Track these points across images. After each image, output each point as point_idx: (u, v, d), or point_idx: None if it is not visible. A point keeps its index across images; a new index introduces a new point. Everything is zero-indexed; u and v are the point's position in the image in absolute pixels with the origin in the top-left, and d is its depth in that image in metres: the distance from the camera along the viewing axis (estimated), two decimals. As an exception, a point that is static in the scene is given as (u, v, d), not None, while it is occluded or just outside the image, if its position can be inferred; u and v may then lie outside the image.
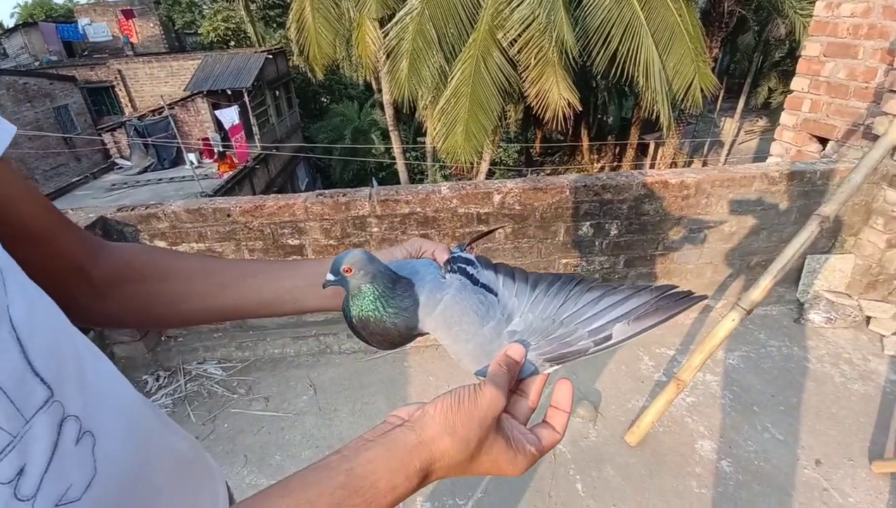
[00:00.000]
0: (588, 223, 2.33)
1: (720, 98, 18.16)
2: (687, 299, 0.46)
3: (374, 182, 15.79)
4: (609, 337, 0.46)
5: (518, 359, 0.46)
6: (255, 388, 2.30)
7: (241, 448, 1.98)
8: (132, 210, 2.13)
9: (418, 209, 2.18)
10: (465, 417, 0.38)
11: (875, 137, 2.52)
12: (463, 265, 0.54)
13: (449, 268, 0.54)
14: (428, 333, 0.52)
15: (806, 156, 3.04)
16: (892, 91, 2.36)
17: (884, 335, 2.34)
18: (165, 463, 0.45)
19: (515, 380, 0.46)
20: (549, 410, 0.47)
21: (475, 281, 0.52)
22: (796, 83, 3.08)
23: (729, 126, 16.70)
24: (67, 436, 0.32)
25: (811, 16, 2.92)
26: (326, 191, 2.19)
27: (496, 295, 0.52)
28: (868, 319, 2.45)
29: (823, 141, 2.98)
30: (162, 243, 2.16)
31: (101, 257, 0.53)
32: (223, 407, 2.19)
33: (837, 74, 2.77)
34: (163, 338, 2.48)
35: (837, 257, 2.57)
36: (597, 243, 2.40)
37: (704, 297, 0.49)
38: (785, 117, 3.20)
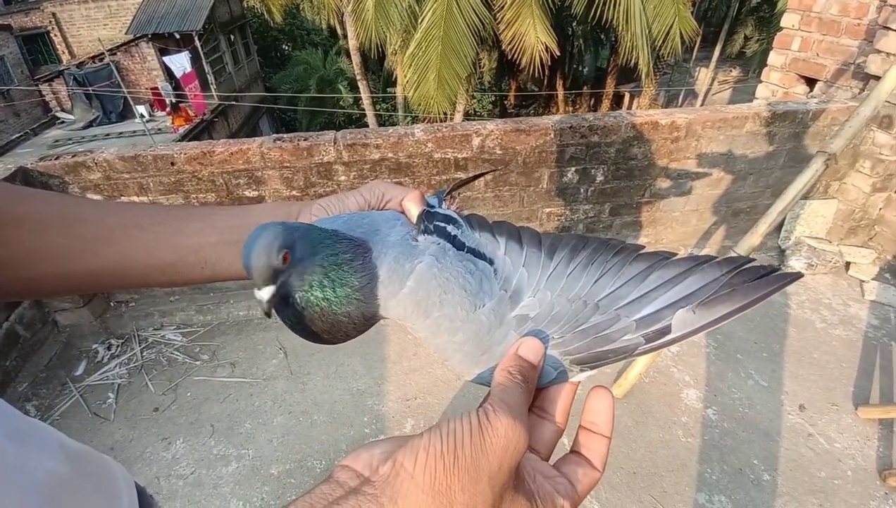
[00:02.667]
0: (573, 169, 2.18)
1: (696, 46, 17.90)
2: (777, 277, 0.32)
3: None
4: (667, 329, 0.31)
5: (535, 360, 0.31)
6: (220, 353, 2.13)
7: (206, 418, 1.84)
8: (57, 159, 1.84)
9: (390, 155, 1.97)
10: (466, 475, 0.23)
11: (867, 77, 2.42)
12: (441, 224, 0.39)
13: (422, 227, 0.39)
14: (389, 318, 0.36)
15: (793, 98, 2.94)
16: (885, 27, 2.23)
17: (863, 281, 2.34)
18: (15, 499, 0.29)
19: (533, 393, 0.30)
20: (579, 433, 0.32)
21: (459, 245, 0.37)
22: (787, 19, 2.92)
23: (704, 76, 16.57)
24: None
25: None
26: (286, 135, 1.95)
27: (491, 263, 0.36)
28: (848, 264, 2.45)
29: (811, 82, 2.87)
30: (97, 197, 1.89)
31: None
32: (185, 375, 2.03)
33: (830, 10, 2.62)
34: (111, 303, 2.26)
35: (820, 203, 2.53)
36: (582, 191, 2.26)
37: (799, 275, 0.34)
38: (773, 57, 3.06)
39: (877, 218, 2.52)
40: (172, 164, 1.86)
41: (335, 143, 1.91)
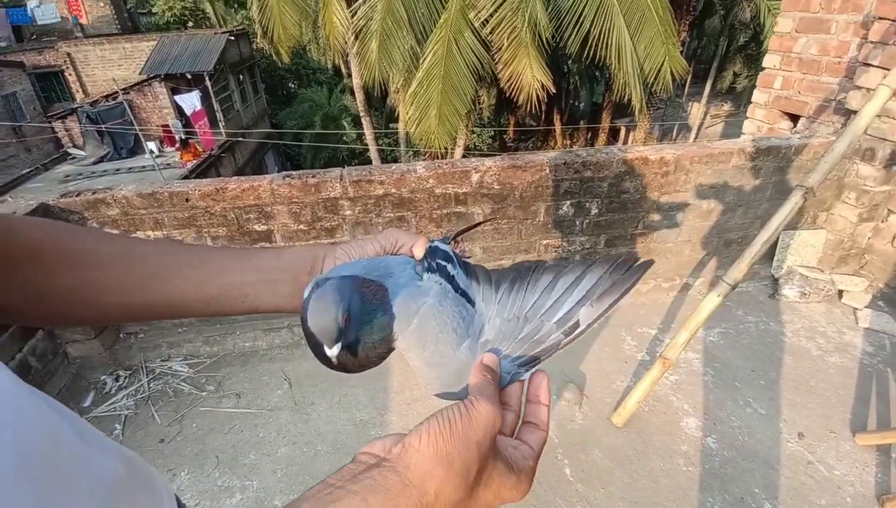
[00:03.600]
0: (568, 202, 2.27)
1: (687, 83, 18.50)
2: (638, 267, 0.43)
3: None
4: (577, 324, 0.42)
5: (494, 367, 0.41)
6: (226, 384, 2.16)
7: (211, 449, 1.86)
8: (77, 196, 1.93)
9: (393, 190, 2.07)
10: (460, 443, 0.31)
11: (848, 112, 2.55)
12: (443, 262, 0.47)
13: (426, 265, 0.47)
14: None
15: (778, 133, 3.06)
16: (865, 64, 2.37)
17: (857, 309, 2.39)
18: (82, 491, 0.35)
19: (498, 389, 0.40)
20: (527, 407, 0.41)
21: (456, 286, 0.45)
22: (768, 60, 3.09)
23: (696, 110, 17.05)
24: None
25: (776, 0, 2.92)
26: (294, 172, 2.05)
27: (474, 305, 0.45)
28: (840, 293, 2.50)
29: (794, 118, 3.00)
30: (115, 231, 1.98)
31: None
32: (191, 406, 2.06)
33: (809, 50, 2.78)
34: (121, 335, 2.31)
35: (810, 233, 2.61)
36: (577, 223, 2.35)
37: (651, 262, 0.45)
38: (757, 95, 3.21)
39: (866, 247, 2.59)
40: (187, 200, 1.96)
41: (341, 179, 2.01)
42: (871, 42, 2.36)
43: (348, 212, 2.09)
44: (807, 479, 1.61)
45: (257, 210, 2.03)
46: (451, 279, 0.45)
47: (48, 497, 0.30)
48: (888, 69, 2.17)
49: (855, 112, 2.56)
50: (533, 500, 1.59)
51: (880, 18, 2.30)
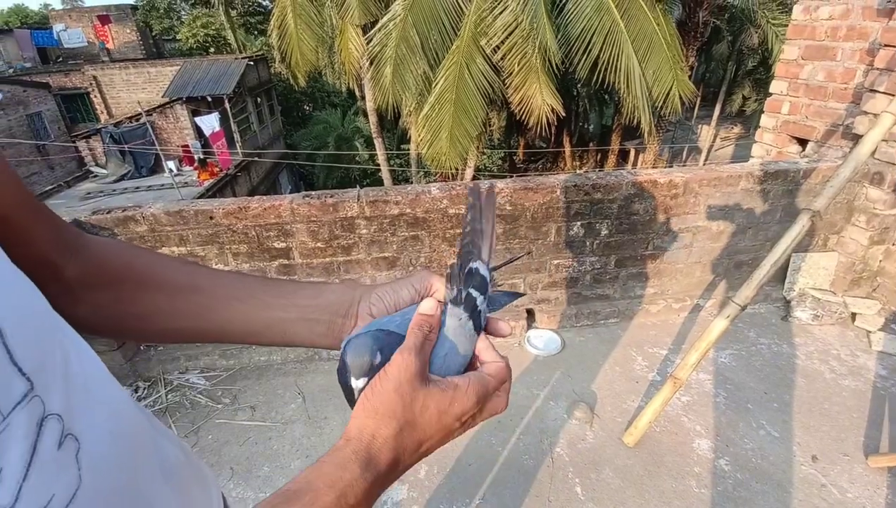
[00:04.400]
0: (579, 223, 2.32)
1: (697, 106, 18.65)
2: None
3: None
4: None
5: (431, 311, 0.43)
6: (241, 397, 2.21)
7: (226, 461, 1.89)
8: (108, 213, 2.03)
9: (408, 210, 2.14)
10: (379, 395, 0.38)
11: (855, 137, 2.58)
12: (474, 294, 0.45)
13: (455, 293, 0.45)
14: None
15: (786, 157, 3.10)
16: (871, 90, 2.41)
17: (870, 331, 2.37)
18: (154, 470, 0.40)
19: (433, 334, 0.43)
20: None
21: (477, 324, 0.45)
22: (775, 86, 3.15)
23: (706, 133, 17.13)
24: (48, 438, 0.27)
25: (784, 25, 3.01)
26: (313, 192, 2.13)
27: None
28: (854, 315, 2.49)
29: (803, 142, 3.04)
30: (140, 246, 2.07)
31: (77, 254, 0.46)
32: (207, 418, 2.10)
33: (816, 77, 2.84)
34: (141, 347, 2.38)
35: (821, 255, 2.62)
36: (588, 244, 2.39)
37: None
38: (765, 120, 3.26)
39: (878, 270, 2.59)
40: (211, 218, 2.04)
41: (358, 199, 2.09)
42: (878, 69, 2.41)
43: (364, 231, 2.16)
44: (820, 502, 1.59)
45: (277, 228, 2.11)
46: (475, 314, 0.45)
47: (136, 463, 0.37)
48: (894, 95, 2.22)
49: (861, 137, 2.61)
50: (544, 518, 1.59)
51: (886, 46, 2.34)
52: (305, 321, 0.51)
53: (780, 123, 3.12)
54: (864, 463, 1.71)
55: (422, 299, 0.52)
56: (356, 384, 0.41)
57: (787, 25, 3.04)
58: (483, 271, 0.46)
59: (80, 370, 0.33)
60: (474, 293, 0.45)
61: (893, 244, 2.53)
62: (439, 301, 0.44)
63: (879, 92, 2.40)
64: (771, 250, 1.61)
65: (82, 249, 0.47)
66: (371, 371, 0.40)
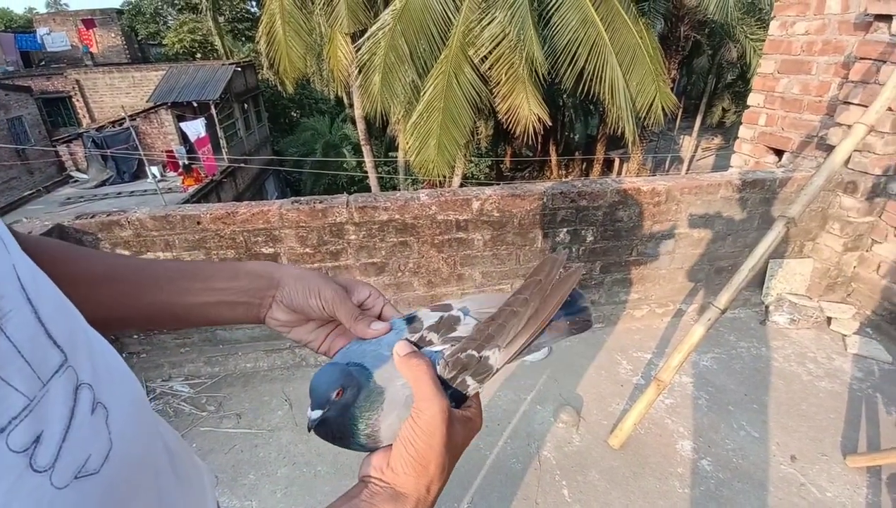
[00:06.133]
0: (565, 230, 2.36)
1: (678, 117, 19.08)
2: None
3: None
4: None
5: (420, 359, 0.44)
6: (226, 404, 2.18)
7: (211, 469, 1.86)
8: (92, 218, 2.01)
9: (397, 216, 2.16)
10: (426, 453, 0.40)
11: (829, 148, 2.68)
12: (469, 381, 0.45)
13: (448, 374, 0.45)
14: None
15: (763, 167, 3.21)
16: (846, 103, 2.51)
17: (845, 335, 2.45)
18: (161, 449, 0.42)
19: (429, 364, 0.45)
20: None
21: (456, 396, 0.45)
22: (752, 99, 3.26)
23: (687, 143, 17.53)
24: (83, 404, 0.30)
25: (761, 40, 3.12)
26: (302, 198, 2.14)
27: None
28: (829, 319, 2.57)
29: (779, 153, 3.15)
30: (125, 253, 2.05)
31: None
32: (191, 426, 2.07)
33: (792, 90, 2.95)
34: (123, 354, 2.33)
35: (798, 262, 2.70)
36: (573, 250, 2.43)
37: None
38: (743, 131, 3.37)
39: (852, 275, 2.68)
40: (198, 223, 2.03)
41: (347, 205, 2.10)
42: (852, 81, 2.49)
43: (353, 237, 2.17)
44: (800, 501, 1.64)
45: (266, 234, 2.10)
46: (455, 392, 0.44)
47: (149, 437, 0.40)
48: (868, 107, 2.32)
49: (835, 147, 2.71)
50: (531, 521, 1.61)
51: (861, 59, 2.44)
52: (226, 304, 0.53)
53: (758, 135, 3.23)
54: (841, 463, 1.76)
55: (333, 310, 0.54)
56: (311, 414, 0.42)
57: (764, 40, 3.15)
58: (495, 360, 0.44)
59: (100, 348, 0.35)
60: (469, 381, 0.44)
61: (867, 251, 2.62)
62: (408, 340, 0.46)
63: (853, 104, 2.50)
64: (749, 256, 1.66)
65: (27, 249, 0.48)
66: (328, 405, 0.42)
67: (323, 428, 0.45)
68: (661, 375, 1.74)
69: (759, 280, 2.75)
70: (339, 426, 0.44)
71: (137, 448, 0.36)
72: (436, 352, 0.46)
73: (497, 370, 0.44)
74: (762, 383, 2.20)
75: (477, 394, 0.46)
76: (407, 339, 0.47)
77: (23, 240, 0.49)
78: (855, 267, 2.67)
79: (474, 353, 0.43)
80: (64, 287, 0.50)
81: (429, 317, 0.50)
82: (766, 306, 2.70)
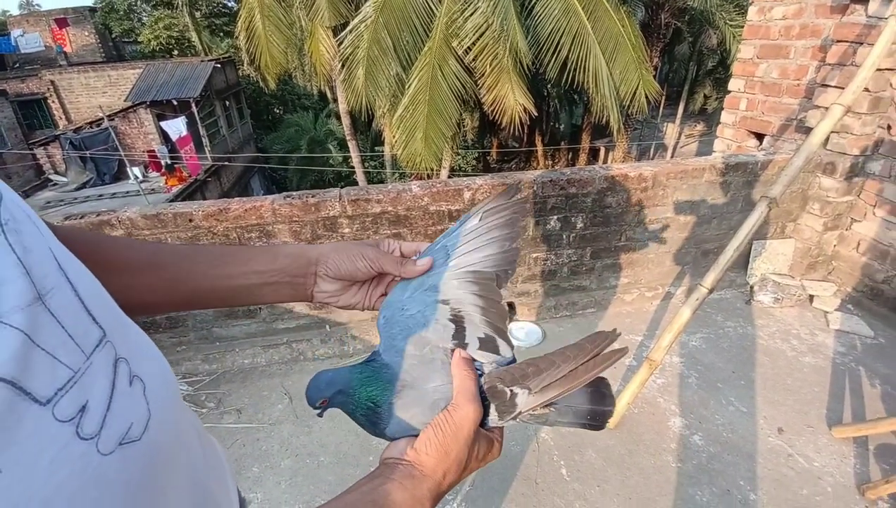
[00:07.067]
0: (555, 217, 2.40)
1: (662, 105, 19.27)
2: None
3: None
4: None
5: (469, 361, 0.50)
6: (226, 401, 2.19)
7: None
8: (81, 218, 1.99)
9: (390, 208, 2.17)
10: (452, 442, 0.44)
11: (808, 130, 2.75)
12: (493, 413, 0.50)
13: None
14: None
15: (745, 150, 3.28)
16: (823, 85, 2.58)
17: (827, 312, 2.54)
18: (189, 424, 0.44)
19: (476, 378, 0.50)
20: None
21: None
22: (733, 84, 3.32)
23: (671, 131, 17.73)
24: (122, 376, 0.31)
25: (740, 26, 3.18)
26: (294, 193, 2.14)
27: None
28: (811, 297, 2.66)
29: (760, 136, 3.22)
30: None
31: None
32: (190, 424, 2.07)
33: (771, 74, 3.01)
34: (119, 356, 2.32)
35: (780, 242, 2.78)
36: (564, 237, 2.47)
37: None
38: (725, 116, 3.44)
39: (832, 254, 2.77)
40: (190, 220, 2.03)
41: (340, 199, 2.11)
42: (829, 64, 2.53)
43: (346, 230, 2.18)
44: (788, 471, 1.71)
45: (259, 229, 2.10)
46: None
47: (180, 412, 0.41)
48: (844, 89, 2.38)
49: (814, 129, 2.79)
50: (534, 500, 1.65)
51: (838, 41, 2.49)
52: (269, 285, 0.58)
53: (739, 119, 3.30)
54: (828, 434, 1.84)
55: (374, 271, 0.60)
56: (315, 411, 0.51)
57: (743, 27, 3.21)
58: (522, 402, 0.46)
59: (132, 327, 0.37)
60: (492, 411, 0.48)
61: (846, 229, 2.71)
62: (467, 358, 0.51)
63: (831, 86, 2.55)
64: (734, 237, 1.71)
65: (55, 234, 0.50)
66: (319, 409, 0.50)
67: (346, 413, 0.52)
68: (652, 355, 1.80)
69: (743, 262, 2.82)
70: (351, 411, 0.51)
71: (171, 420, 0.38)
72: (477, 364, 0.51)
73: (517, 416, 0.47)
74: (749, 360, 2.27)
75: (501, 429, 0.51)
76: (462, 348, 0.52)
77: (54, 229, 0.51)
78: (835, 246, 2.76)
79: (505, 388, 0.47)
80: (100, 274, 0.52)
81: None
82: (751, 287, 2.78)
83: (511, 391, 0.46)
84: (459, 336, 0.52)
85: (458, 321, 0.52)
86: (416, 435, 0.47)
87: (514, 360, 0.52)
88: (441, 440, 0.44)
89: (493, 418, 0.48)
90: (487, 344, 0.51)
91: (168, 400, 0.38)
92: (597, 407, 0.48)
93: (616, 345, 0.46)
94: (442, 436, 0.44)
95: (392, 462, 0.45)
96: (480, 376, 0.49)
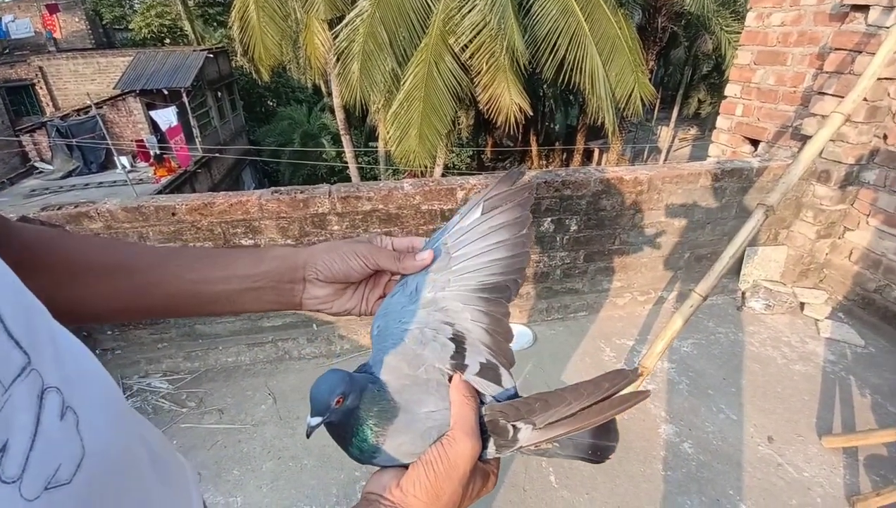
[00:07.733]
0: (549, 219, 2.36)
1: (656, 108, 19.35)
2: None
3: None
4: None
5: (469, 387, 0.45)
6: (208, 400, 2.13)
7: (193, 466, 1.81)
8: (59, 209, 1.91)
9: (380, 206, 2.12)
10: (445, 482, 0.39)
11: (803, 138, 2.75)
12: (491, 446, 0.45)
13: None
14: None
15: (740, 156, 3.27)
16: (820, 93, 2.57)
17: (818, 320, 2.54)
18: (141, 450, 0.39)
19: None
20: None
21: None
22: (729, 89, 3.31)
23: (665, 134, 17.83)
24: (50, 410, 0.27)
25: (736, 32, 3.17)
26: (283, 188, 2.08)
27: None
28: (802, 305, 2.65)
29: (755, 142, 3.21)
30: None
31: (7, 242, 0.44)
32: (171, 423, 2.01)
33: (767, 80, 3.00)
34: (97, 351, 2.25)
35: (772, 249, 2.78)
36: (558, 239, 2.44)
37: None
38: (720, 121, 3.43)
39: (824, 262, 2.77)
40: (173, 214, 1.96)
41: (329, 195, 2.05)
42: (827, 72, 2.52)
43: (336, 227, 2.12)
44: (778, 480, 1.69)
45: (245, 225, 2.04)
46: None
47: (128, 439, 0.37)
48: (843, 97, 2.37)
49: (810, 137, 2.78)
50: (520, 508, 1.62)
51: (836, 49, 2.47)
52: (251, 291, 0.52)
53: (735, 125, 3.29)
54: (817, 444, 1.83)
55: (369, 268, 0.54)
56: (310, 420, 0.41)
57: (739, 33, 3.20)
58: (524, 437, 0.43)
59: (67, 346, 0.32)
60: (490, 444, 0.44)
61: (839, 238, 2.71)
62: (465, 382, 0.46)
63: (828, 94, 2.53)
64: (729, 244, 1.69)
65: (12, 237, 0.45)
66: (329, 412, 0.41)
67: (328, 428, 0.44)
68: (644, 362, 1.77)
69: (736, 268, 2.81)
70: (341, 428, 0.43)
71: (114, 454, 0.34)
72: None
73: (519, 449, 0.43)
74: (739, 367, 2.26)
75: (498, 459, 0.46)
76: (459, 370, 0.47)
77: (18, 229, 0.46)
78: (827, 254, 2.76)
79: (508, 425, 0.43)
80: (59, 279, 0.47)
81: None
82: (743, 293, 2.77)
83: (514, 426, 0.43)
84: (459, 358, 0.46)
85: (458, 340, 0.47)
86: (404, 465, 0.42)
87: (516, 393, 0.47)
88: (432, 482, 0.39)
89: (491, 450, 0.44)
90: (488, 372, 0.46)
91: (110, 431, 0.34)
92: (600, 442, 0.45)
93: (635, 384, 0.43)
94: (434, 477, 0.39)
95: (373, 499, 0.40)
96: (481, 404, 0.45)
